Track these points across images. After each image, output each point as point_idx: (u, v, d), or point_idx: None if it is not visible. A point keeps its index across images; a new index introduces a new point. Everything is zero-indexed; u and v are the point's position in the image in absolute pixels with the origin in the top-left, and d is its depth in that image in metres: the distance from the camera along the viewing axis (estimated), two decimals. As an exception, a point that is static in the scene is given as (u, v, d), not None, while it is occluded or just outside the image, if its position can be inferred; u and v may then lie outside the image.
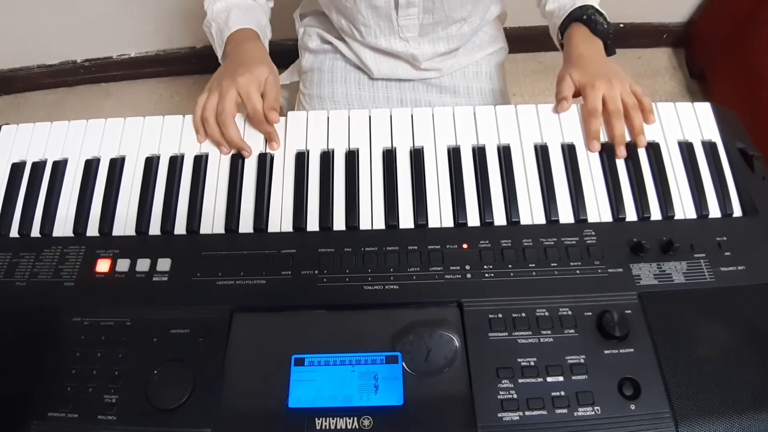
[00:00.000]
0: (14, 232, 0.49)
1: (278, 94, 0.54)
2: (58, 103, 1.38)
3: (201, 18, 0.64)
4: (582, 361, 0.40)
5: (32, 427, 0.38)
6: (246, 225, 0.48)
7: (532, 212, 0.48)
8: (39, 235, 0.49)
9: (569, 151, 0.51)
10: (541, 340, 0.41)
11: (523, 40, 1.23)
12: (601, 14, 0.60)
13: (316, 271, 0.44)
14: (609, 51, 0.60)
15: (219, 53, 0.61)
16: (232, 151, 0.52)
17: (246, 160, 0.51)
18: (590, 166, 0.51)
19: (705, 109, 0.54)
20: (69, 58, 1.35)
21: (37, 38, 1.27)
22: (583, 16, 0.60)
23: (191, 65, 1.37)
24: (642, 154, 0.51)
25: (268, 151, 0.52)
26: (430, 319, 0.42)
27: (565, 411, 0.38)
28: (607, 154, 0.51)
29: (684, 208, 0.49)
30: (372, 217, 0.48)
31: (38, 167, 0.52)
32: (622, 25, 1.36)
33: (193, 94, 1.38)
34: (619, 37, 0.60)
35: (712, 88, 1.28)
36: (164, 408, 0.39)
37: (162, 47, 1.35)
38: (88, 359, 0.41)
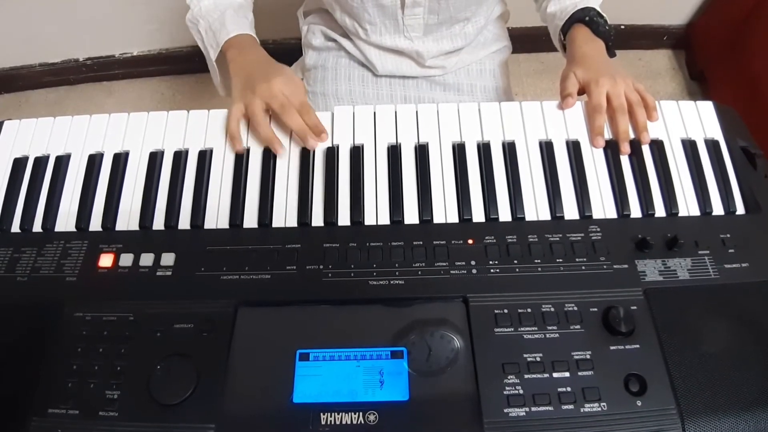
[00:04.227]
0: (16, 227, 0.49)
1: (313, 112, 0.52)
2: (59, 101, 1.38)
3: (204, 17, 0.63)
4: (588, 356, 0.40)
5: (32, 424, 0.38)
6: (251, 220, 0.48)
7: (537, 208, 0.48)
8: (41, 230, 0.48)
9: (574, 148, 0.51)
10: (547, 335, 0.41)
11: (526, 41, 1.23)
12: (602, 16, 0.61)
13: (321, 266, 0.44)
14: (609, 53, 0.60)
15: (212, 53, 0.59)
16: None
17: (250, 155, 0.51)
18: (595, 162, 0.51)
19: (707, 107, 0.55)
20: (71, 57, 1.34)
21: (39, 36, 1.27)
22: (585, 18, 0.60)
23: (193, 64, 1.37)
24: (646, 151, 0.51)
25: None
26: (435, 315, 0.42)
27: (571, 407, 0.38)
28: (611, 150, 0.51)
29: (688, 205, 0.49)
30: (377, 212, 0.48)
31: (41, 162, 0.51)
32: (622, 27, 1.36)
33: (195, 93, 1.38)
34: (619, 39, 0.61)
35: (712, 89, 1.29)
36: (167, 403, 0.38)
37: (164, 46, 1.35)
38: (90, 354, 0.40)
